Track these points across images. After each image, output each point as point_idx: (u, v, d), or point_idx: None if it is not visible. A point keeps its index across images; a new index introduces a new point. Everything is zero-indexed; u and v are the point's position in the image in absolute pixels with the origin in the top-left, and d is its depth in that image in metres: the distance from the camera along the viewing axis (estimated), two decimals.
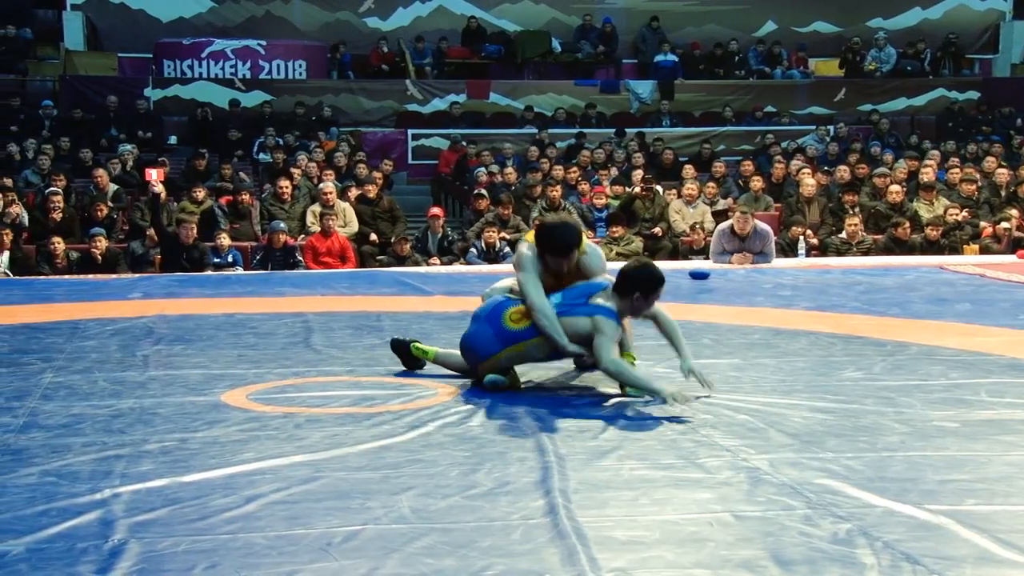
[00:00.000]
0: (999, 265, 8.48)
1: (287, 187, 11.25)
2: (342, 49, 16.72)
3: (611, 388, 4.18)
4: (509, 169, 12.84)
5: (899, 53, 17.53)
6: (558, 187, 11.56)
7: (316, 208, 10.85)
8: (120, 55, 16.51)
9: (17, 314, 6.23)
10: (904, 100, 16.98)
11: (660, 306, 4.22)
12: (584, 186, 12.23)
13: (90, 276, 8.68)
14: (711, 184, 12.12)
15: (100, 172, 11.59)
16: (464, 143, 14.50)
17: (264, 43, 16.37)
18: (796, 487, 2.95)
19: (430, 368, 4.49)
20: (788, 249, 10.46)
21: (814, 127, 15.60)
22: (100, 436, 3.50)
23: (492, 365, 4.19)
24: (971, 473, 3.11)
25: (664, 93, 16.55)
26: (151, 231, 10.23)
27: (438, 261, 10.43)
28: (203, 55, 16.01)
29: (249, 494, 2.88)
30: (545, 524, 2.66)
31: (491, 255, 10.26)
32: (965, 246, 10.68)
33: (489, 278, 5.71)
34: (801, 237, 10.63)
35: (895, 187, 11.57)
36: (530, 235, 4.43)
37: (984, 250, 10.55)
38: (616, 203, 11.61)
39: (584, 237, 4.40)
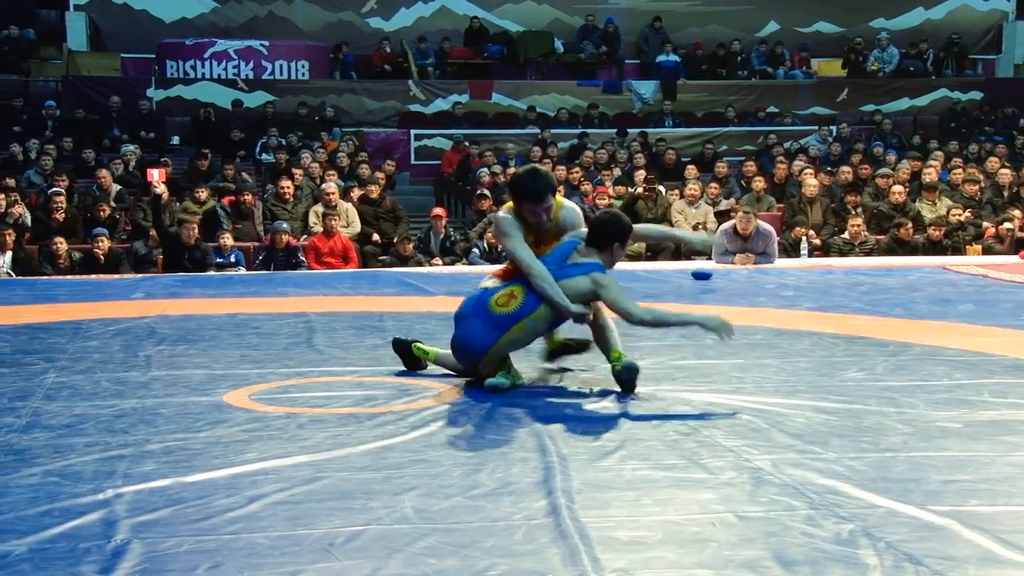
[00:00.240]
0: (1002, 266, 8.47)
1: (288, 187, 11.26)
2: (345, 49, 16.73)
3: (614, 387, 4.18)
4: (512, 169, 12.82)
5: (902, 53, 17.52)
6: (560, 187, 11.57)
7: (319, 208, 10.86)
8: (123, 55, 16.53)
9: (20, 314, 6.24)
10: (907, 100, 16.97)
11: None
12: (587, 186, 12.23)
13: (93, 276, 8.69)
14: (713, 184, 12.12)
15: (104, 173, 11.60)
16: (467, 143, 14.50)
17: (267, 43, 16.39)
18: (799, 487, 2.95)
19: (433, 368, 4.49)
20: (791, 249, 10.45)
21: (817, 127, 15.60)
22: (103, 436, 3.50)
23: (493, 356, 4.15)
24: (974, 474, 3.11)
25: (667, 93, 16.55)
26: (154, 231, 10.24)
27: (440, 261, 10.43)
28: (206, 55, 16.03)
29: (252, 494, 2.88)
30: (547, 524, 2.66)
31: (493, 255, 10.26)
32: (968, 247, 10.67)
33: None
34: (804, 237, 10.63)
35: (898, 187, 11.57)
36: (503, 208, 4.44)
37: (987, 251, 10.54)
38: (619, 203, 11.60)
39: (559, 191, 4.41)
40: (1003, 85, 17.53)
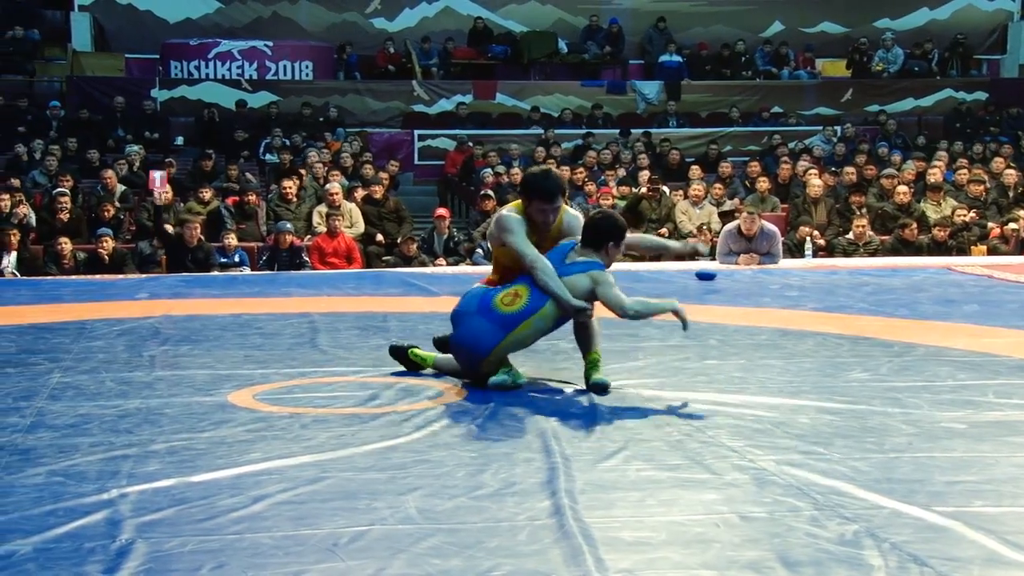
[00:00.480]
0: (1007, 266, 8.45)
1: (291, 187, 11.27)
2: (348, 50, 16.74)
3: (619, 388, 4.18)
4: (515, 170, 12.83)
5: (906, 54, 17.49)
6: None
7: (322, 208, 10.87)
8: (127, 56, 16.55)
9: (24, 314, 6.25)
10: (911, 101, 16.94)
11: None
12: (591, 187, 12.23)
13: (97, 276, 8.70)
14: (718, 185, 12.11)
15: (109, 173, 11.62)
16: (470, 144, 14.50)
17: (271, 44, 16.40)
18: (803, 488, 2.94)
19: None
20: (795, 250, 10.44)
21: (821, 128, 15.58)
22: (107, 436, 3.50)
23: (497, 355, 4.15)
24: (979, 474, 3.10)
25: (671, 94, 16.54)
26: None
27: (444, 262, 10.43)
28: (210, 56, 16.04)
29: (256, 494, 2.88)
30: (551, 525, 2.66)
31: None
32: (973, 247, 10.66)
33: None
34: (808, 238, 10.62)
35: (902, 188, 11.55)
36: (507, 206, 4.46)
37: (992, 251, 10.52)
38: (623, 204, 11.60)
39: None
40: (1008, 85, 17.50)
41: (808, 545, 2.54)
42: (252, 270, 9.94)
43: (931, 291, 7.17)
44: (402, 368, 4.52)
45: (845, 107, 16.69)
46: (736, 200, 11.77)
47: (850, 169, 12.57)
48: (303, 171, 12.21)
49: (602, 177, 12.93)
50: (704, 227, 11.08)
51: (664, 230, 11.19)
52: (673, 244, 4.89)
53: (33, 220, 10.55)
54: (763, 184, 11.98)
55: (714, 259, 9.10)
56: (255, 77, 16.03)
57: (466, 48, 17.16)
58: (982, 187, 11.91)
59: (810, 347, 5.13)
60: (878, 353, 4.94)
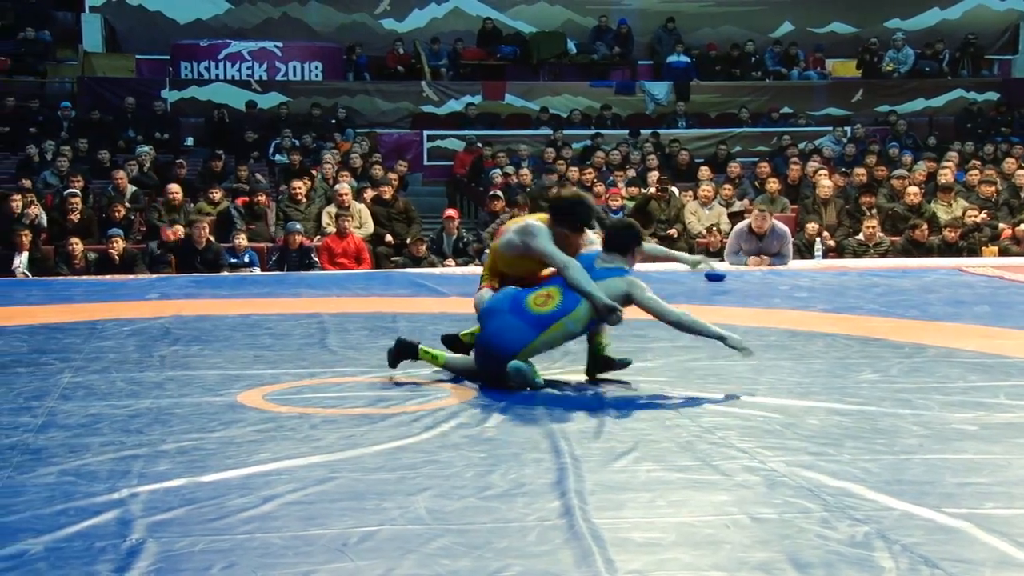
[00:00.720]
0: (1018, 267, 8.41)
1: (301, 188, 11.29)
2: (358, 51, 16.76)
3: (629, 389, 4.18)
4: (524, 170, 12.83)
5: (917, 54, 17.43)
6: (574, 188, 11.55)
7: (332, 209, 10.88)
8: (138, 57, 16.59)
9: (36, 314, 6.27)
10: (922, 101, 16.89)
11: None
12: (599, 187, 12.22)
13: (108, 277, 8.73)
14: (727, 186, 12.09)
15: (120, 174, 11.65)
16: (479, 144, 14.50)
17: (280, 45, 16.43)
18: (813, 489, 2.94)
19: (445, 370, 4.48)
20: (805, 250, 10.42)
21: (831, 128, 15.54)
22: (118, 436, 3.52)
23: (525, 355, 4.15)
24: (990, 476, 3.09)
25: (680, 94, 16.52)
26: (168, 231, 10.27)
27: (453, 262, 10.43)
28: (220, 57, 16.08)
29: (266, 494, 2.89)
30: (561, 526, 2.66)
31: None
32: (984, 248, 10.61)
33: None
34: (818, 239, 10.59)
35: (913, 188, 11.51)
36: (532, 217, 4.45)
37: (1003, 252, 10.48)
38: (632, 204, 11.59)
39: None
40: (1020, 85, 17.43)
41: (818, 547, 2.54)
42: (262, 270, 9.96)
43: (942, 292, 7.15)
44: (412, 368, 4.51)
45: (855, 107, 16.64)
46: (746, 201, 11.75)
47: (860, 170, 12.53)
48: (315, 171, 12.22)
49: (611, 178, 12.91)
50: (714, 228, 11.06)
51: (673, 231, 11.18)
52: (684, 256, 4.83)
53: (44, 221, 10.59)
54: (773, 185, 11.95)
55: (722, 259, 9.07)
56: (265, 78, 16.06)
57: (475, 49, 17.16)
58: (993, 188, 11.87)
59: (820, 348, 5.12)
60: (888, 354, 4.93)
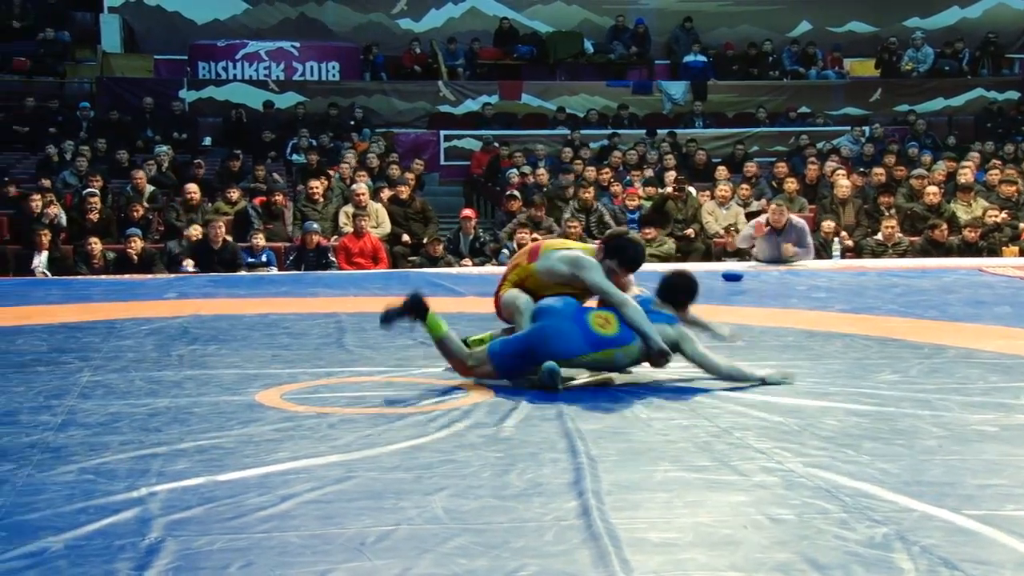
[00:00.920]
0: None
1: (318, 188, 11.32)
2: (375, 50, 16.79)
3: (645, 390, 4.16)
4: (541, 170, 12.83)
5: (937, 53, 17.32)
6: (591, 188, 11.54)
7: (349, 209, 10.91)
8: (156, 57, 16.69)
9: (55, 314, 6.32)
10: (941, 100, 16.78)
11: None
12: (616, 187, 12.21)
13: (126, 276, 8.79)
14: (744, 185, 12.05)
15: (139, 174, 11.73)
16: (496, 144, 14.51)
17: (298, 45, 16.49)
18: (831, 490, 2.92)
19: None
20: (822, 250, 10.38)
21: (849, 128, 15.47)
22: (137, 435, 3.54)
23: (572, 365, 4.18)
24: (1010, 478, 3.07)
25: (697, 94, 16.47)
26: (187, 231, 10.33)
27: (470, 262, 10.44)
28: (237, 57, 16.15)
29: (283, 493, 2.90)
30: (578, 525, 2.66)
31: None
32: (1004, 248, 10.54)
33: None
34: (836, 239, 10.55)
35: (932, 188, 11.45)
36: (576, 246, 4.52)
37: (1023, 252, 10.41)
38: (649, 204, 11.57)
39: None
40: None
41: (837, 548, 2.52)
42: (279, 270, 10.00)
43: (961, 292, 7.10)
44: (429, 369, 4.51)
45: (874, 107, 16.55)
46: (763, 201, 11.72)
47: (879, 170, 12.47)
48: (333, 171, 12.26)
49: (628, 177, 12.90)
50: (731, 228, 11.03)
51: (691, 231, 11.15)
52: (718, 327, 4.63)
53: (64, 220, 10.67)
54: (791, 185, 11.91)
55: (741, 260, 9.06)
56: (282, 78, 16.12)
57: (492, 48, 17.17)
58: (1014, 188, 11.78)
59: (838, 348, 5.09)
60: (907, 355, 4.90)
